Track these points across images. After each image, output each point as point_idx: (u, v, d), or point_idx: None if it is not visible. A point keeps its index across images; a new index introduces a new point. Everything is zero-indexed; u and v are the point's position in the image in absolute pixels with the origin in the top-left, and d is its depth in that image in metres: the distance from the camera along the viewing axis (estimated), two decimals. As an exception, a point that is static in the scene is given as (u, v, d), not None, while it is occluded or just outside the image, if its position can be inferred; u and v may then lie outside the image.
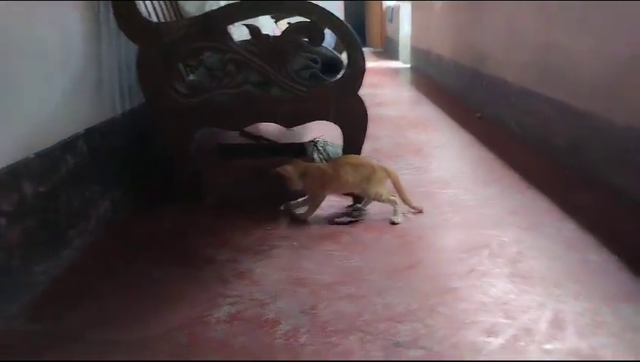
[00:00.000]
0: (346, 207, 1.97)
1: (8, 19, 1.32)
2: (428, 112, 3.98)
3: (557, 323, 1.25)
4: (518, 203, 2.04)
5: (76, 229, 1.62)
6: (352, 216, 1.89)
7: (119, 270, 1.53)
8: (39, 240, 1.42)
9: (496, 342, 1.19)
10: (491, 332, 1.22)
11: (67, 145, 1.59)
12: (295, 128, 2.72)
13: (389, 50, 8.92)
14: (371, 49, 10.28)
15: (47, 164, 1.48)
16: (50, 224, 1.48)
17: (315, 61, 1.94)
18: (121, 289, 1.44)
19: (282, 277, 1.50)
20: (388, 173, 1.92)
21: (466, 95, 4.33)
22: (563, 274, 1.49)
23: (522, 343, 1.19)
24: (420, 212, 1.93)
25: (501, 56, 3.52)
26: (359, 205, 1.95)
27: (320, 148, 2.66)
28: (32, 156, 1.40)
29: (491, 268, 1.52)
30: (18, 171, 1.34)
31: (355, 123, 1.97)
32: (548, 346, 1.17)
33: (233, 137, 2.96)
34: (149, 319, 1.29)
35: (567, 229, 1.78)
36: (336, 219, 1.88)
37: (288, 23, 2.21)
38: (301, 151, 2.30)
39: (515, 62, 3.23)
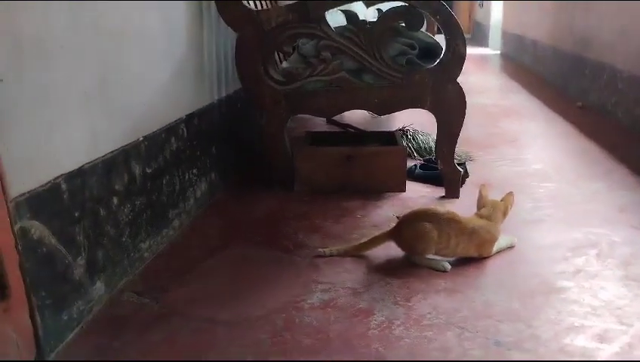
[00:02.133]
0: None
1: (120, 9, 1.38)
2: (522, 101, 3.78)
3: (680, 334, 1.14)
4: (628, 200, 1.88)
5: (176, 209, 1.69)
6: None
7: (216, 250, 1.58)
8: (145, 218, 1.49)
9: (609, 348, 1.11)
10: (603, 338, 1.14)
11: (170, 130, 1.66)
12: (382, 117, 2.69)
13: (477, 36, 8.56)
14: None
15: (154, 147, 1.55)
16: (154, 204, 1.55)
17: (412, 47, 1.88)
18: (219, 268, 1.49)
19: (374, 267, 1.48)
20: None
21: (564, 83, 4.07)
22: (684, 279, 1.36)
23: (638, 352, 1.09)
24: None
25: (609, 39, 3.26)
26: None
27: (410, 136, 2.60)
28: (140, 139, 1.47)
29: (601, 270, 1.42)
30: (129, 153, 1.41)
31: (452, 111, 1.90)
32: (669, 358, 1.07)
33: (321, 126, 2.97)
34: (246, 300, 1.32)
35: (688, 231, 1.62)
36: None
37: (377, 10, 2.17)
38: (390, 139, 2.25)
39: (626, 46, 2.97)
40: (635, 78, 2.81)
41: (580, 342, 1.13)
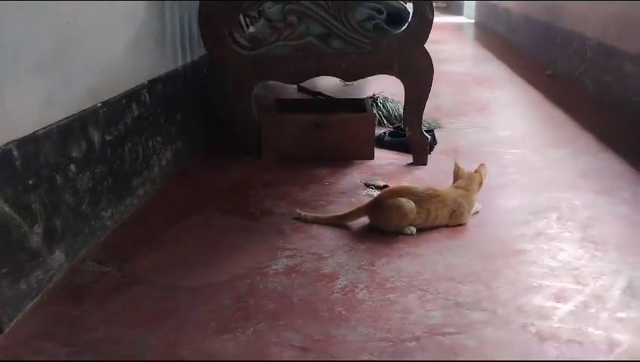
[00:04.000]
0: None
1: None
2: (493, 69, 3.79)
3: (631, 291, 1.18)
4: (591, 166, 1.92)
5: (140, 178, 1.66)
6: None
7: (180, 218, 1.56)
8: (106, 187, 1.46)
9: (565, 307, 1.14)
10: (560, 297, 1.17)
11: (131, 96, 1.61)
12: (354, 83, 2.67)
13: (453, 6, 8.52)
14: (434, 4, 9.86)
15: (113, 114, 1.50)
16: (116, 172, 1.52)
17: (379, 11, 1.86)
18: (183, 236, 1.47)
19: (340, 233, 1.48)
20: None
21: (535, 51, 4.09)
22: (639, 240, 1.40)
23: (593, 310, 1.13)
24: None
25: (579, 7, 3.27)
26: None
27: (380, 104, 2.59)
28: (99, 105, 1.43)
29: (561, 232, 1.45)
30: (86, 119, 1.37)
31: (419, 77, 1.89)
32: (621, 314, 1.11)
33: (291, 93, 2.93)
34: (210, 266, 1.31)
35: (646, 194, 1.66)
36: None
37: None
38: (360, 107, 2.24)
39: (596, 14, 2.99)
40: (603, 45, 2.83)
41: (537, 302, 1.16)
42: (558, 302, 1.15)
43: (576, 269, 1.27)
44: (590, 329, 1.07)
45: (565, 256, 1.33)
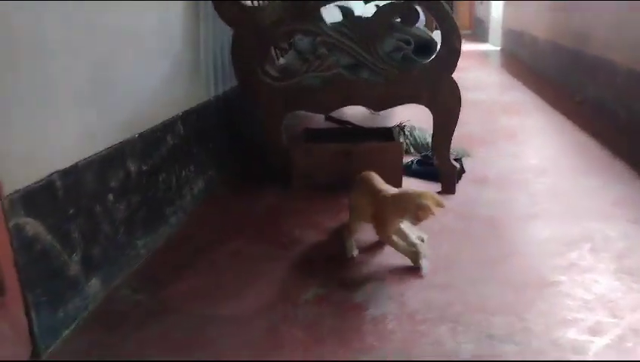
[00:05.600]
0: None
1: (116, 8, 1.39)
2: (521, 97, 3.77)
3: (671, 326, 1.15)
4: (624, 194, 1.88)
5: (173, 206, 1.70)
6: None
7: (212, 246, 1.59)
8: (141, 216, 1.50)
9: (600, 341, 1.11)
10: (595, 331, 1.15)
11: (166, 127, 1.67)
12: (381, 113, 2.69)
13: (478, 33, 8.55)
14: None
15: (149, 144, 1.56)
16: (151, 201, 1.56)
17: (407, 42, 1.88)
18: (215, 265, 1.50)
19: (370, 262, 1.49)
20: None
21: (563, 79, 4.06)
22: (677, 273, 1.36)
23: (629, 344, 1.10)
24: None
25: (607, 35, 3.25)
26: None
27: (407, 132, 2.60)
28: (136, 136, 1.48)
29: (595, 264, 1.42)
30: (124, 150, 1.42)
31: (447, 107, 1.90)
32: (660, 350, 1.08)
33: (319, 122, 2.97)
34: (242, 296, 1.33)
35: (682, 225, 1.62)
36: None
37: (376, 6, 2.17)
38: (388, 135, 2.25)
39: (624, 41, 2.96)
40: (632, 72, 2.80)
41: (572, 335, 1.13)
42: (593, 335, 1.13)
43: (612, 302, 1.25)
44: (628, 365, 1.04)
45: (600, 289, 1.30)
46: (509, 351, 1.09)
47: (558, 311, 1.22)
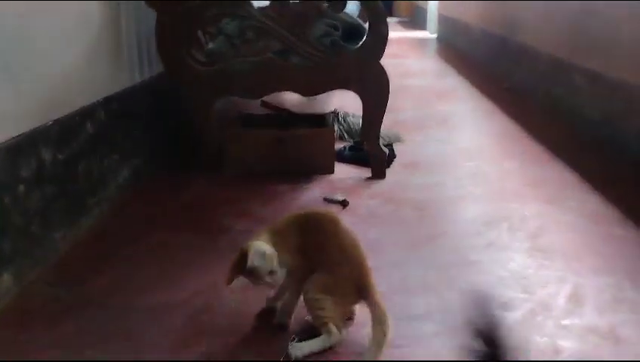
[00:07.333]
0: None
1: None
2: (454, 83, 3.88)
3: (576, 299, 1.22)
4: (541, 176, 1.98)
5: (95, 197, 1.64)
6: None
7: (138, 237, 1.55)
8: (58, 207, 1.44)
9: (512, 316, 1.17)
10: (508, 306, 1.20)
11: (85, 114, 1.60)
12: (317, 98, 2.69)
13: (416, 20, 8.70)
14: (398, 18, 10.04)
15: (66, 132, 1.49)
16: (69, 191, 1.49)
17: (335, 28, 1.89)
18: (139, 255, 1.46)
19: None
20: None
21: (493, 65, 4.21)
22: (585, 248, 1.45)
23: (540, 318, 1.16)
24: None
25: (533, 23, 3.39)
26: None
27: (341, 119, 2.62)
28: (50, 123, 1.41)
29: (511, 242, 1.49)
30: (36, 138, 1.35)
31: (376, 92, 1.92)
32: (565, 321, 1.15)
33: (254, 108, 2.94)
34: (165, 286, 1.30)
35: (592, 203, 1.73)
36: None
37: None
38: (322, 121, 2.26)
39: (548, 29, 3.10)
40: (554, 59, 2.94)
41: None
42: (506, 311, 1.18)
43: (525, 278, 1.31)
44: (537, 338, 1.10)
45: (514, 266, 1.37)
46: (427, 329, 1.13)
47: (476, 289, 1.27)
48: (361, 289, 1.08)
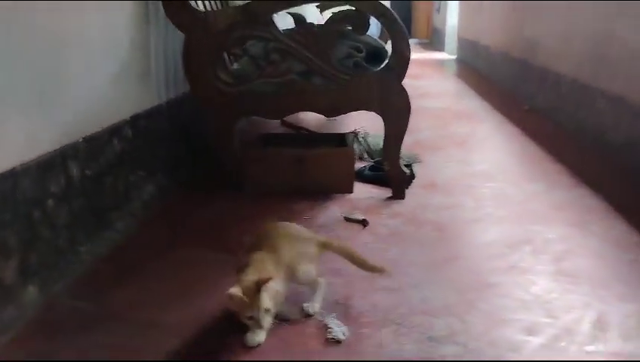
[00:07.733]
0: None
1: (57, 7, 1.36)
2: (473, 105, 3.88)
3: (601, 325, 1.20)
4: (565, 199, 1.96)
5: (120, 212, 1.67)
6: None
7: (160, 252, 1.57)
8: (84, 221, 1.47)
9: (535, 341, 1.15)
10: (531, 330, 1.19)
11: (113, 131, 1.64)
12: (337, 118, 2.72)
13: (435, 42, 8.75)
14: (417, 40, 10.11)
15: (94, 148, 1.52)
16: (95, 206, 1.53)
17: (358, 50, 1.92)
18: (162, 271, 1.47)
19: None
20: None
21: (514, 87, 4.20)
22: (610, 274, 1.43)
23: (563, 343, 1.15)
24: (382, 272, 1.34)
25: (554, 46, 3.39)
26: None
27: (360, 139, 2.63)
28: (80, 140, 1.45)
29: (534, 265, 1.47)
30: (66, 154, 1.39)
31: (397, 113, 1.94)
32: (590, 348, 1.13)
33: (274, 127, 2.98)
34: (186, 302, 1.31)
35: (617, 228, 1.70)
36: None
37: (333, 13, 2.20)
38: (341, 141, 2.28)
39: (569, 53, 3.10)
40: (576, 82, 2.93)
41: (508, 335, 1.17)
42: (529, 335, 1.17)
43: (548, 303, 1.30)
44: (560, 363, 1.08)
45: (538, 289, 1.35)
46: (449, 351, 1.12)
47: (497, 312, 1.26)
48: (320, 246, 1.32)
